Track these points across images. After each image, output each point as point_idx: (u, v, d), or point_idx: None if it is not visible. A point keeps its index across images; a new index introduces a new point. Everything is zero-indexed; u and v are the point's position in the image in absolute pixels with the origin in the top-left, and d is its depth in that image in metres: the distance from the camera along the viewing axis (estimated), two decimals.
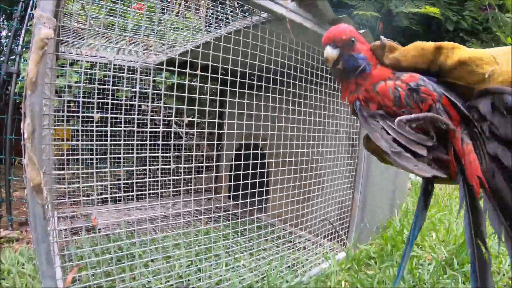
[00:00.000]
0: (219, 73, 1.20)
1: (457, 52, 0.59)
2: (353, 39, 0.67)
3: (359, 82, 0.67)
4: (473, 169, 0.56)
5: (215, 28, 1.79)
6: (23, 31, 2.67)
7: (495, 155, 0.54)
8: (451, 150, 0.59)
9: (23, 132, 0.94)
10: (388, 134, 0.59)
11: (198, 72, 1.12)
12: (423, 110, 0.60)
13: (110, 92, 1.19)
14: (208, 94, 2.38)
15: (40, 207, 0.96)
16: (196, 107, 1.12)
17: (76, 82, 2.60)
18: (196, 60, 1.19)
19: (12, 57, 2.65)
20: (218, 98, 1.17)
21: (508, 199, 0.52)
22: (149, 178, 1.26)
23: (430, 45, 0.62)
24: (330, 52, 0.68)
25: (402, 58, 0.64)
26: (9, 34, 2.64)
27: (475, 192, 0.55)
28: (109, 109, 1.09)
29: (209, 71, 1.21)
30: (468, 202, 0.56)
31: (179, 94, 1.15)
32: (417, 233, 0.68)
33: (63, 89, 2.54)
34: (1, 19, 5.43)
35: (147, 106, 2.43)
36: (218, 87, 1.20)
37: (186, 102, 1.07)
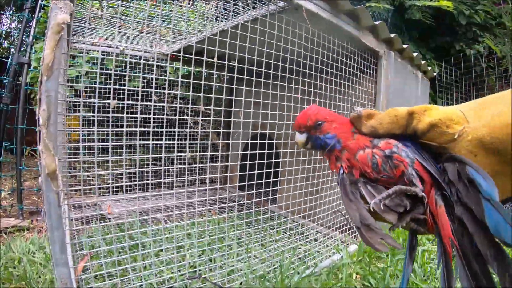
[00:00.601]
0: (236, 61, 1.19)
1: (428, 115, 0.62)
2: (319, 122, 0.74)
3: (338, 155, 0.73)
4: (445, 230, 0.59)
5: (226, 19, 1.78)
6: (34, 22, 2.67)
7: (462, 220, 0.57)
8: (427, 209, 0.62)
9: (38, 119, 0.93)
10: (366, 202, 0.64)
11: (215, 60, 1.11)
12: (396, 175, 0.65)
13: (127, 79, 1.19)
14: (225, 82, 2.38)
15: (55, 194, 0.96)
16: (213, 95, 1.11)
17: (87, 72, 2.60)
18: (213, 48, 1.18)
19: (23, 48, 2.66)
20: (234, 86, 1.16)
21: (473, 261, 0.55)
22: (161, 167, 1.25)
23: (402, 111, 0.65)
24: (298, 137, 0.78)
25: (379, 126, 0.68)
26: (19, 25, 2.63)
27: (448, 253, 0.58)
28: (125, 97, 1.09)
29: (226, 59, 1.20)
30: (444, 259, 0.59)
31: (196, 81, 1.14)
32: (405, 284, 0.70)
33: (74, 78, 2.55)
34: (12, 9, 5.44)
35: (157, 96, 2.43)
36: (235, 75, 1.19)
37: (202, 90, 1.06)
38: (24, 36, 2.63)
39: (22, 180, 2.61)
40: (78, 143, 2.37)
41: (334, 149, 0.73)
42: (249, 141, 1.27)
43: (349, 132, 0.73)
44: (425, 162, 0.63)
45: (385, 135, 0.68)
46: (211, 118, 1.11)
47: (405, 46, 2.07)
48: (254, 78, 1.33)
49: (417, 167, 0.63)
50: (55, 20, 0.91)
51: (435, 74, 3.37)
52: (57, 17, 0.91)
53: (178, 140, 1.19)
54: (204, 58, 1.12)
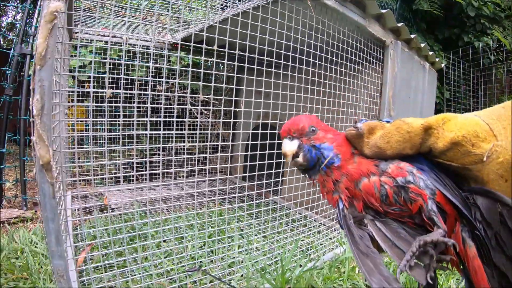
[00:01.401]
0: (237, 50, 1.16)
1: (448, 129, 0.52)
2: (313, 128, 0.62)
3: (337, 179, 0.59)
4: (479, 279, 0.49)
5: (227, 6, 1.74)
6: (37, 12, 2.66)
7: (503, 272, 0.47)
8: (450, 247, 0.51)
9: (32, 109, 0.91)
10: (378, 246, 0.54)
11: (215, 47, 1.08)
12: (413, 210, 0.53)
13: (137, 69, 1.17)
14: (225, 71, 2.36)
15: (49, 185, 0.94)
16: (213, 84, 1.09)
17: (90, 63, 2.58)
18: (213, 36, 1.15)
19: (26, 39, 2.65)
20: (235, 75, 1.14)
21: None
22: (163, 157, 1.23)
23: (417, 127, 0.53)
24: (287, 145, 0.63)
25: (385, 146, 0.55)
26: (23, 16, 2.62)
27: None
28: (122, 86, 1.07)
29: (226, 48, 1.17)
30: None
31: (196, 70, 1.11)
32: None
33: (76, 68, 2.54)
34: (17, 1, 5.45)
35: (161, 86, 2.41)
36: (236, 63, 1.17)
37: (201, 79, 1.04)
38: (27, 27, 2.62)
39: (26, 171, 2.61)
40: (83, 133, 2.36)
41: (332, 167, 0.59)
42: (251, 132, 1.25)
43: (348, 152, 0.60)
44: (448, 192, 0.52)
45: (394, 156, 0.56)
46: (211, 108, 1.09)
47: (412, 36, 2.03)
48: (255, 67, 1.31)
49: (439, 199, 0.52)
50: (48, 8, 0.89)
51: (443, 65, 3.32)
52: (50, 6, 0.89)
53: (179, 130, 1.16)
54: (204, 46, 1.09)
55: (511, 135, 0.49)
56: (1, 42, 5.68)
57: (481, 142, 0.49)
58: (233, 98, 1.21)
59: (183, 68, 1.10)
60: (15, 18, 6.60)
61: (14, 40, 2.83)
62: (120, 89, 0.98)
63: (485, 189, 0.50)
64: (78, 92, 2.39)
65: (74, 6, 1.62)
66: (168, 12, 1.91)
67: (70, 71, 2.40)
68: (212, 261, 1.51)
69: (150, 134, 1.05)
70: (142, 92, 1.05)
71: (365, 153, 0.58)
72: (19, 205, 2.57)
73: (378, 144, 0.56)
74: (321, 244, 1.75)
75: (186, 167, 1.21)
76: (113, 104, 1.08)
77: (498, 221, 0.48)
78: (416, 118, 0.55)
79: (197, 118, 2.36)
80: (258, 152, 1.32)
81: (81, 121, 2.21)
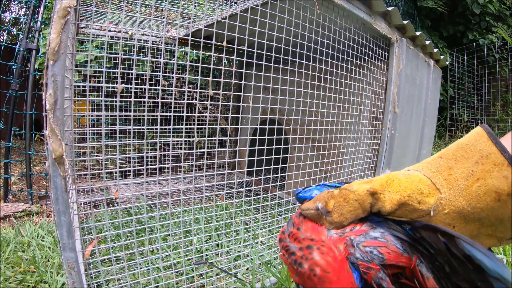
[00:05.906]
0: (245, 46, 1.17)
1: (393, 190, 0.54)
2: None
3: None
4: None
5: (235, 2, 1.75)
6: (42, 7, 2.67)
7: None
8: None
9: (45, 103, 0.92)
10: None
11: (224, 43, 1.09)
12: (369, 280, 0.53)
13: (153, 63, 1.18)
14: (234, 67, 2.37)
15: (62, 179, 0.95)
16: (222, 79, 1.10)
17: (96, 58, 2.60)
18: (222, 32, 1.16)
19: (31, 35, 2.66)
20: (243, 70, 1.15)
21: None
22: (167, 152, 1.25)
23: (362, 192, 0.56)
24: None
25: (341, 219, 0.57)
26: (28, 12, 2.63)
27: None
28: (133, 81, 1.08)
29: (235, 44, 1.17)
30: None
31: (205, 65, 1.12)
32: None
33: (82, 63, 2.55)
34: None
35: (166, 81, 2.42)
36: (244, 59, 1.17)
37: (211, 75, 1.05)
38: (32, 22, 2.63)
39: (31, 165, 2.63)
40: (88, 128, 2.37)
41: None
42: (258, 127, 1.26)
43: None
44: (397, 247, 0.53)
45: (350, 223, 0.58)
46: (220, 103, 1.10)
47: (417, 33, 2.03)
48: (263, 63, 1.31)
49: (391, 260, 0.53)
50: (61, 4, 0.90)
51: (447, 63, 3.32)
52: (63, 1, 0.90)
53: (186, 124, 1.17)
54: (213, 42, 1.10)
55: (452, 185, 0.51)
56: (5, 37, 5.70)
57: (426, 197, 0.52)
58: (242, 93, 1.22)
59: (193, 64, 1.11)
60: (19, 13, 6.63)
61: (19, 35, 2.84)
62: (131, 84, 0.99)
63: (424, 224, 0.52)
64: (83, 87, 2.41)
65: (81, 1, 1.63)
66: (173, 7, 1.92)
67: (76, 66, 2.41)
68: (218, 254, 1.52)
69: (159, 128, 1.06)
70: (152, 87, 1.06)
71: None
72: (24, 199, 2.59)
73: (335, 219, 0.57)
74: None
75: (191, 162, 1.22)
76: (123, 99, 1.08)
77: (446, 250, 0.49)
78: (360, 182, 0.58)
79: (201, 112, 2.38)
80: (265, 147, 1.33)
81: (89, 115, 2.23)
